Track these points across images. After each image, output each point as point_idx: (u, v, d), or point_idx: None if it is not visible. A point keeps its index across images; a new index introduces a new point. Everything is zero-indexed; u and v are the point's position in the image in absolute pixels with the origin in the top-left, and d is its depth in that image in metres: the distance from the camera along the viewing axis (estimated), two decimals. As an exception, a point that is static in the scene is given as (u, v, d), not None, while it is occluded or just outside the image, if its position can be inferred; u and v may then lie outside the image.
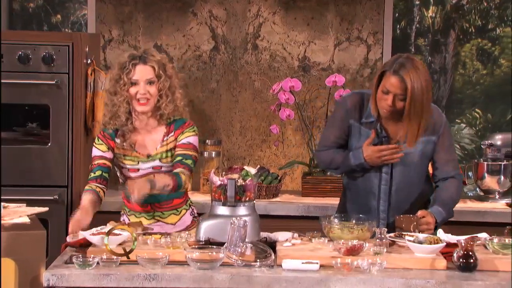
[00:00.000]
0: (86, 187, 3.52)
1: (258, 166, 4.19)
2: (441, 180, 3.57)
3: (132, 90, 3.47)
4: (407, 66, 3.35)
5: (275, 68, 5.03)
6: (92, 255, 2.98)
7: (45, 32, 5.04)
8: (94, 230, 3.25)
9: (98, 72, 4.60)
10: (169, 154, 3.54)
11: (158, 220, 3.58)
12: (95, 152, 3.57)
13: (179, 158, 3.49)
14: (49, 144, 4.49)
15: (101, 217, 3.80)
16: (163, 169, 3.53)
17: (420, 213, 3.40)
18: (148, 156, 3.54)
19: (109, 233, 3.05)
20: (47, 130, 4.49)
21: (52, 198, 4.46)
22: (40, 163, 4.47)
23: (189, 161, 3.49)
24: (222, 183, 3.21)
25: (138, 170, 3.53)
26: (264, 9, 5.01)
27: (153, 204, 3.56)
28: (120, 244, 3.11)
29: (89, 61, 4.54)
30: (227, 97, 5.05)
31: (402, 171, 3.52)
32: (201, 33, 5.02)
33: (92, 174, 3.55)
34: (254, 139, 5.06)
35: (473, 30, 5.03)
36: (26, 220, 3.24)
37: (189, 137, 3.53)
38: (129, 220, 3.62)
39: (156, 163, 3.54)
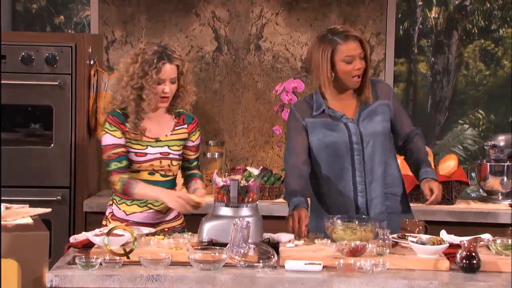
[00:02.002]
0: (124, 176, 3.48)
1: (261, 167, 4.19)
2: (407, 139, 3.62)
3: (159, 88, 3.50)
4: (346, 28, 3.51)
5: (278, 69, 5.04)
6: (95, 256, 2.98)
7: (48, 33, 5.04)
8: (97, 231, 3.25)
9: (101, 73, 4.60)
10: (178, 143, 3.61)
11: (150, 208, 3.59)
12: (112, 140, 3.52)
13: (196, 163, 3.72)
14: (52, 145, 4.49)
15: (103, 218, 3.80)
16: (170, 155, 3.57)
17: (427, 191, 3.43)
18: (157, 140, 3.57)
19: (109, 233, 3.05)
20: (50, 131, 4.49)
21: (55, 199, 4.46)
22: (43, 164, 4.48)
23: (199, 164, 3.76)
24: (225, 184, 3.21)
25: (145, 154, 3.55)
26: (267, 10, 5.01)
27: None
28: (123, 245, 3.11)
29: (92, 62, 4.54)
30: (230, 98, 5.05)
31: (372, 136, 3.53)
32: (203, 34, 5.02)
33: (119, 164, 3.50)
34: (257, 140, 5.06)
35: (476, 31, 5.03)
36: (29, 221, 3.24)
37: (198, 138, 3.70)
38: (118, 209, 3.61)
39: (165, 149, 3.58)
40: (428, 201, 3.42)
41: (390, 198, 3.57)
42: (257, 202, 3.26)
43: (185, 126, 3.64)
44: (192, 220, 3.65)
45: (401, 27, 5.02)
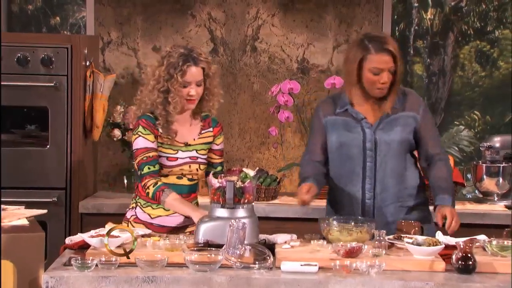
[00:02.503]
0: (159, 181, 3.47)
1: (257, 168, 4.18)
2: (431, 163, 3.56)
3: (184, 90, 3.50)
4: (383, 39, 3.45)
5: (274, 70, 5.04)
6: (90, 257, 2.98)
7: (44, 34, 5.04)
8: (92, 232, 3.25)
9: (97, 74, 4.60)
10: (204, 147, 3.62)
11: (175, 212, 3.59)
12: (145, 143, 3.50)
13: (220, 168, 3.68)
14: (48, 146, 4.49)
15: (99, 219, 3.80)
16: (198, 160, 3.59)
17: (440, 218, 3.40)
18: (186, 144, 3.57)
19: (109, 233, 3.05)
20: (46, 132, 4.49)
21: (51, 200, 4.45)
22: (39, 165, 4.47)
23: (224, 170, 3.72)
24: (221, 185, 3.21)
25: (176, 159, 3.56)
26: (263, 11, 5.01)
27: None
28: (119, 246, 3.11)
29: (88, 63, 4.54)
30: (226, 99, 5.03)
31: (387, 146, 3.51)
32: (200, 35, 5.03)
33: (153, 168, 3.49)
34: (253, 141, 5.06)
35: (472, 32, 5.03)
36: (25, 222, 3.24)
37: (223, 143, 3.71)
38: (142, 211, 3.60)
39: (194, 153, 3.58)
40: (446, 227, 3.37)
41: (402, 211, 3.53)
42: (253, 203, 3.26)
43: (211, 129, 3.64)
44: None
45: (396, 28, 5.03)
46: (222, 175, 3.28)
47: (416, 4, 5.03)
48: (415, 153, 3.64)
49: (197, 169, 3.59)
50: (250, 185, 3.23)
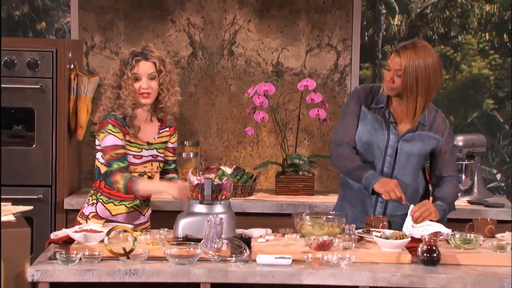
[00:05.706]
0: (126, 174, 3.41)
1: (234, 166, 4.19)
2: (440, 181, 3.56)
3: (136, 85, 3.49)
4: (407, 45, 3.39)
5: (250, 73, 5.04)
6: (75, 252, 2.96)
7: (30, 38, 5.00)
8: (77, 227, 3.23)
9: (81, 77, 4.57)
10: (163, 146, 3.61)
11: (135, 209, 3.57)
12: (115, 141, 3.45)
13: (174, 165, 3.69)
14: (34, 145, 4.46)
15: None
16: (158, 158, 3.58)
17: (415, 206, 3.40)
18: (148, 143, 3.56)
19: (108, 233, 3.03)
20: (32, 132, 4.46)
21: (37, 197, 4.42)
22: (25, 164, 4.44)
23: (177, 168, 3.75)
24: (199, 182, 3.21)
25: (141, 157, 3.54)
26: (240, 17, 5.01)
27: None
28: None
29: (72, 67, 4.52)
30: (205, 101, 5.05)
31: (407, 158, 3.49)
32: (179, 40, 5.01)
33: (122, 164, 3.43)
34: (230, 141, 5.06)
35: (437, 37, 5.06)
36: (11, 218, 3.21)
37: (176, 142, 3.69)
38: (104, 207, 3.56)
39: (154, 152, 3.58)
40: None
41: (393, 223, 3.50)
42: (230, 200, 3.26)
43: (167, 129, 3.63)
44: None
45: (366, 33, 5.05)
46: (201, 172, 3.28)
47: (384, 11, 5.05)
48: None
49: (157, 167, 3.59)
50: (227, 182, 3.23)
